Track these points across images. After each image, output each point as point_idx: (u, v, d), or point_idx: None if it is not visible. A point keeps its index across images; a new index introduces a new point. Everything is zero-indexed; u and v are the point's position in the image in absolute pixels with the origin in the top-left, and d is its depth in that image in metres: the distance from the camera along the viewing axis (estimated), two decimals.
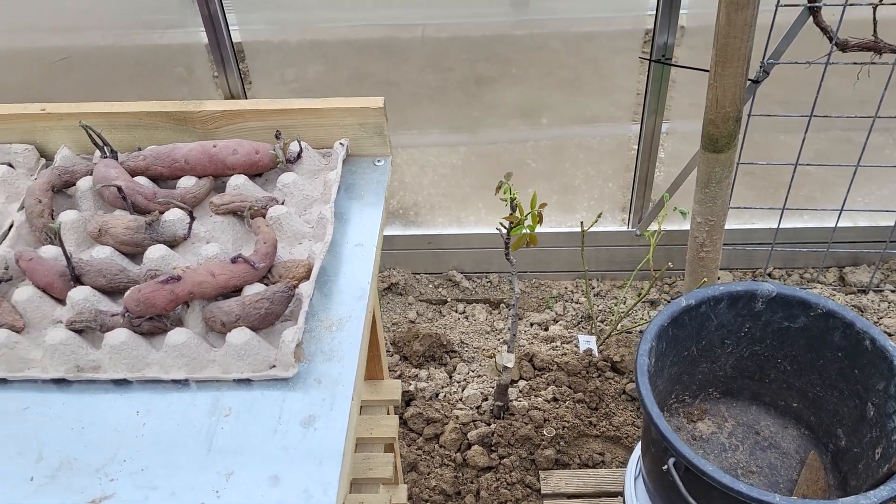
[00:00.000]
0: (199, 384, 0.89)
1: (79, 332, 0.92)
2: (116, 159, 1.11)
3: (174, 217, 1.03)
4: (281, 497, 0.78)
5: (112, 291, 0.97)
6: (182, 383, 0.90)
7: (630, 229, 2.35)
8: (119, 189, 1.03)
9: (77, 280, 0.96)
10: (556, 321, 2.33)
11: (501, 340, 2.26)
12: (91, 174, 1.10)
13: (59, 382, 0.91)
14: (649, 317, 2.31)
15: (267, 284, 0.94)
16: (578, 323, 2.34)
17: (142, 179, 1.09)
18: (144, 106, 1.14)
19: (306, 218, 1.06)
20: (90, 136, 1.10)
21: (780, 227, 2.19)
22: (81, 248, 1.05)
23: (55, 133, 1.17)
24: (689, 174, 2.10)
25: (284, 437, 0.83)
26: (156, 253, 0.98)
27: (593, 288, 2.42)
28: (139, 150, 1.14)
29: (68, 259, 0.95)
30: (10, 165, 1.17)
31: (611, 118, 2.19)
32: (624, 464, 1.94)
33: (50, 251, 1.00)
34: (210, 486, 0.80)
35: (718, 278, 2.13)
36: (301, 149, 1.11)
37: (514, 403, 2.02)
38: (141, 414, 0.87)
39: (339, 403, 0.86)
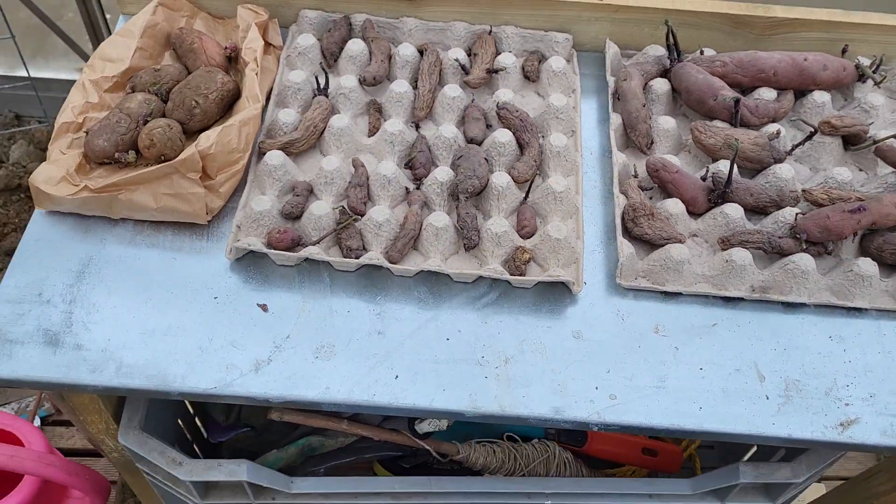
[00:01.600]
0: (876, 313, 0.92)
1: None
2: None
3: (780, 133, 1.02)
4: None
5: (750, 209, 0.97)
6: (857, 311, 0.92)
7: None
8: (737, 102, 1.00)
9: (721, 198, 0.96)
10: None
11: None
12: (659, 75, 1.07)
13: (730, 300, 0.93)
14: None
15: None
16: None
17: None
18: (708, 5, 1.09)
19: None
20: (668, 36, 1.06)
21: None
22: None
23: (598, 25, 1.12)
24: None
25: None
26: (787, 173, 0.98)
27: None
28: (700, 52, 1.10)
29: (729, 180, 0.94)
30: (542, 54, 1.13)
31: None
32: None
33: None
34: None
35: None
36: (878, 67, 1.08)
37: None
38: (834, 339, 0.90)
39: None
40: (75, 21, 2.05)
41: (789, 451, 1.06)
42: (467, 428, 1.17)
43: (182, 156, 0.91)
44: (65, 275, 0.90)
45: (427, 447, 1.08)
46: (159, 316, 0.88)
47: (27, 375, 0.83)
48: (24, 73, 1.97)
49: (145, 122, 0.97)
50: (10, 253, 2.09)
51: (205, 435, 1.23)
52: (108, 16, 2.01)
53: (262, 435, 1.17)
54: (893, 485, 1.04)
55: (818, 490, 1.37)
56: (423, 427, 1.08)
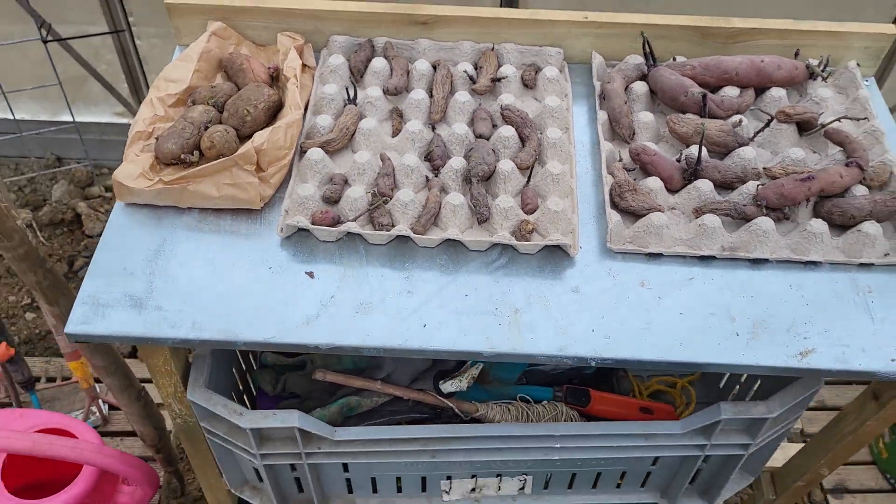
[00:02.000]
0: (829, 265, 1.08)
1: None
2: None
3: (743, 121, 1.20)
4: None
5: (719, 185, 1.14)
6: (812, 264, 1.09)
7: None
8: (704, 97, 1.18)
9: (693, 175, 1.13)
10: None
11: None
12: (638, 79, 1.26)
13: (703, 258, 1.09)
14: None
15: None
16: None
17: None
18: (678, 19, 1.28)
19: None
20: (644, 46, 1.25)
21: None
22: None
23: (585, 40, 1.31)
24: None
25: None
26: (749, 154, 1.15)
27: None
28: (673, 59, 1.28)
29: (699, 159, 1.11)
30: (538, 65, 1.31)
31: None
32: None
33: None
34: (892, 347, 1.00)
35: None
36: (825, 66, 1.27)
37: None
38: (794, 287, 1.06)
39: None
40: (110, 71, 2.26)
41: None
42: (484, 394, 1.33)
43: (240, 150, 1.09)
44: (144, 253, 1.07)
45: (450, 405, 1.23)
46: (224, 283, 1.04)
47: (118, 332, 0.99)
48: (65, 118, 2.17)
49: (206, 128, 1.15)
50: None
51: (249, 408, 1.39)
52: (145, 66, 2.21)
53: (305, 402, 1.33)
54: (857, 424, 1.19)
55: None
56: (446, 387, 1.23)
